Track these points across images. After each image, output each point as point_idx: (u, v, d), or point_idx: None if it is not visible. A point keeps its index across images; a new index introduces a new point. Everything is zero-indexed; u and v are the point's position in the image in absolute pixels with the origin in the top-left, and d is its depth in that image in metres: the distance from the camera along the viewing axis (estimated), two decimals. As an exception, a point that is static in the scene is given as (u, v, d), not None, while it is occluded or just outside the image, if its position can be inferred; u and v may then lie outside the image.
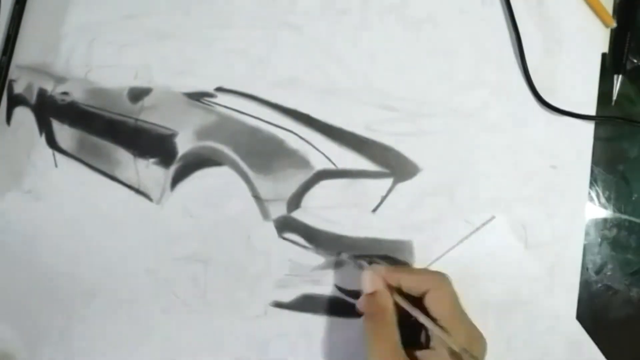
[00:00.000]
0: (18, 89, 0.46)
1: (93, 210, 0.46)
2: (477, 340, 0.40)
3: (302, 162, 0.46)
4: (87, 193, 0.47)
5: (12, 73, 0.46)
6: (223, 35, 0.47)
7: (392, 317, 0.39)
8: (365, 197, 0.46)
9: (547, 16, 0.46)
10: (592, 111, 0.46)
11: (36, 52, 0.46)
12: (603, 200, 0.47)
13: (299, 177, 0.46)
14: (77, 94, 0.46)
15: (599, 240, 0.46)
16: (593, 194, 0.46)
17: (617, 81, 0.46)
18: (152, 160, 0.46)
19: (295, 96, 0.47)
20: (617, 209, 0.46)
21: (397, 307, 0.40)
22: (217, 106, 0.46)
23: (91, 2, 0.47)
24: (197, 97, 0.46)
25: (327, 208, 0.46)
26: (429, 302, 0.39)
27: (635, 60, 0.47)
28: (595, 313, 0.46)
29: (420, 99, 0.47)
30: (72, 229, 0.47)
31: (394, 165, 0.46)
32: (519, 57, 0.46)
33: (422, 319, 0.39)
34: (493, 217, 0.45)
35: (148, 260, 0.46)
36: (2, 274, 0.47)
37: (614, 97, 0.46)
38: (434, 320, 0.39)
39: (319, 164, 0.47)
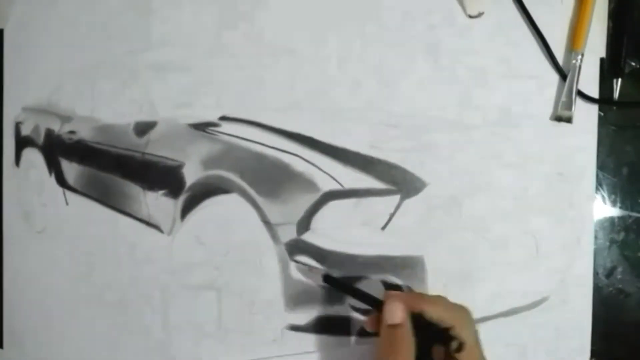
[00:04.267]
0: (25, 130, 0.47)
1: (105, 245, 0.47)
2: None
3: (309, 184, 0.47)
4: (99, 229, 0.47)
5: (19, 116, 0.47)
6: (223, 65, 0.47)
7: (412, 352, 0.39)
8: (373, 215, 0.47)
9: (539, 25, 0.47)
10: (594, 117, 0.46)
11: (41, 94, 0.47)
12: (609, 204, 0.47)
13: (307, 200, 0.47)
14: (84, 132, 0.47)
15: (608, 244, 0.47)
16: (599, 198, 0.47)
17: (617, 85, 0.47)
18: (161, 192, 0.47)
19: (298, 120, 0.47)
20: (624, 211, 0.47)
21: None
22: (221, 135, 0.47)
23: (91, 41, 0.47)
24: (202, 127, 0.47)
25: (337, 228, 0.47)
26: (455, 335, 0.39)
27: (633, 63, 0.47)
28: (608, 317, 0.46)
29: (422, 114, 0.47)
30: (85, 264, 0.47)
31: (400, 182, 0.47)
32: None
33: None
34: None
35: (162, 291, 0.47)
36: (18, 313, 0.47)
37: (615, 99, 0.47)
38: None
39: (325, 185, 0.47)
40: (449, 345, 0.38)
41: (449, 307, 0.40)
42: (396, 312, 0.40)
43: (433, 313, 0.39)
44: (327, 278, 0.44)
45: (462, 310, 0.40)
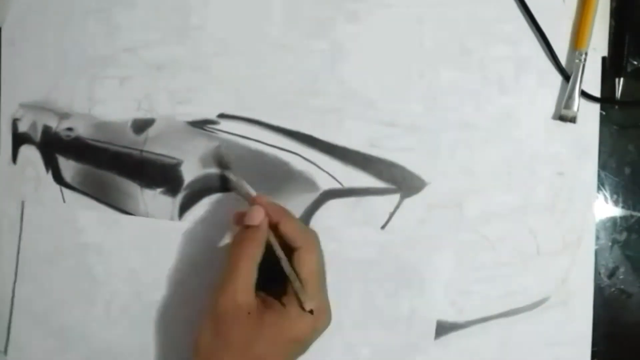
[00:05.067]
0: (22, 127, 0.47)
1: (103, 243, 0.47)
2: (324, 312, 0.41)
3: (308, 183, 0.47)
4: (96, 227, 0.47)
5: (16, 112, 0.47)
6: (222, 62, 0.47)
7: (258, 257, 0.40)
8: (373, 214, 0.47)
9: (542, 25, 0.46)
10: (596, 116, 0.46)
11: (38, 90, 0.47)
12: (611, 203, 0.46)
13: (306, 198, 0.47)
14: (82, 129, 0.47)
15: (610, 244, 0.46)
16: (601, 198, 0.46)
17: (619, 84, 0.46)
18: (158, 190, 0.47)
19: (298, 118, 0.47)
20: (626, 211, 0.46)
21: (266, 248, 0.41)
22: (220, 133, 0.47)
23: (89, 37, 0.47)
24: (200, 124, 0.47)
25: (336, 227, 0.46)
26: (297, 258, 0.40)
27: (635, 62, 0.47)
28: (610, 318, 0.46)
29: (422, 113, 0.47)
30: (82, 263, 0.47)
31: (400, 181, 0.47)
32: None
33: (286, 268, 0.40)
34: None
35: (161, 291, 0.46)
36: (17, 313, 0.47)
37: (617, 98, 0.46)
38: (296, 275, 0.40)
39: (325, 184, 0.47)
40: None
41: (302, 228, 0.42)
42: (257, 215, 0.40)
43: (287, 228, 0.40)
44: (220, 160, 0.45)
45: (312, 234, 0.42)
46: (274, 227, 0.41)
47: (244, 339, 0.38)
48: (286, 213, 0.42)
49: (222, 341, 0.38)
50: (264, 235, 0.40)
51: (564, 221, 0.46)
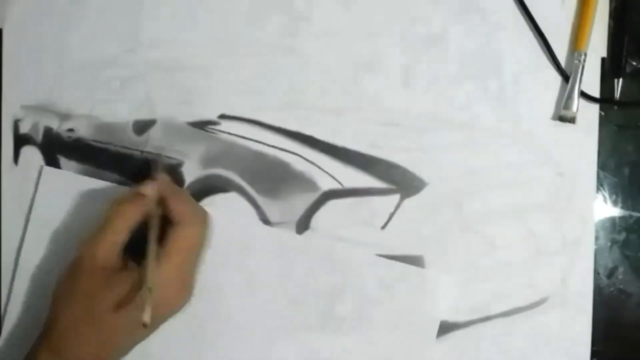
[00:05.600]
0: (24, 128, 0.47)
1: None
2: (178, 290, 0.41)
3: (308, 183, 0.47)
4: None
5: (17, 113, 0.47)
6: (223, 63, 0.47)
7: (134, 221, 0.40)
8: (373, 215, 0.47)
9: (541, 26, 0.47)
10: (595, 116, 0.46)
11: (40, 91, 0.47)
12: (610, 203, 0.47)
13: (307, 199, 0.47)
14: (83, 130, 0.47)
15: (609, 244, 0.46)
16: (600, 198, 0.47)
17: (618, 85, 0.46)
18: (160, 190, 0.47)
19: (298, 118, 0.47)
20: (625, 212, 0.47)
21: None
22: (221, 133, 0.47)
23: (91, 38, 0.47)
24: (201, 125, 0.47)
25: (336, 228, 0.47)
26: (173, 230, 0.40)
27: (634, 63, 0.47)
28: (609, 317, 0.46)
29: (423, 113, 0.47)
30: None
31: (400, 181, 0.47)
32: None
33: (150, 236, 0.39)
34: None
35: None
36: (14, 312, 0.47)
37: (616, 99, 0.47)
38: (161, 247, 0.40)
39: (325, 184, 0.47)
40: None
41: (191, 207, 0.43)
42: (149, 188, 0.41)
43: (174, 203, 0.41)
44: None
45: (200, 214, 0.43)
46: (162, 202, 0.41)
47: (90, 290, 0.38)
48: (178, 191, 0.43)
49: (69, 287, 0.39)
50: (146, 204, 0.40)
51: (563, 221, 0.46)
